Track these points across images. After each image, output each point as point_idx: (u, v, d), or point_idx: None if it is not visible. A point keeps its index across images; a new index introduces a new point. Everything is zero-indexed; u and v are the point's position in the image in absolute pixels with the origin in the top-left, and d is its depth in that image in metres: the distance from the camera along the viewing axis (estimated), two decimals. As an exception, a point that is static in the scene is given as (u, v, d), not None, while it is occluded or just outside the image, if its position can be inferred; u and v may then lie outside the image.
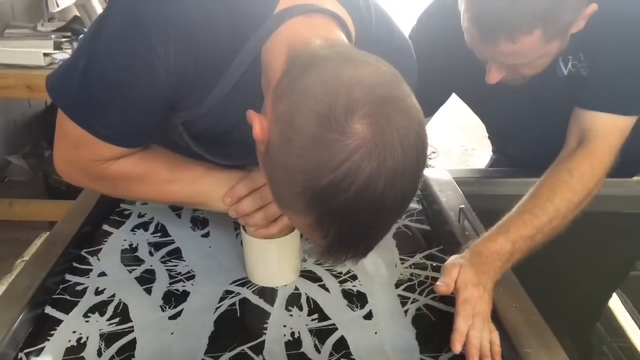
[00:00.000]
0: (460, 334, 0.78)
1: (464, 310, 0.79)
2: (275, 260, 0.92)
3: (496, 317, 0.83)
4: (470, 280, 0.81)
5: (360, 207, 0.56)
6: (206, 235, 1.07)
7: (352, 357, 0.79)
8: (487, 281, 0.83)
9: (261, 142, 0.61)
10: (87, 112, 0.74)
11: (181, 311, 0.87)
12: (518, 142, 1.33)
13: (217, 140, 0.82)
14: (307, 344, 0.82)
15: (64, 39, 2.40)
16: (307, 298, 0.91)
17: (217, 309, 0.88)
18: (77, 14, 2.61)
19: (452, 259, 0.86)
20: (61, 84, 0.75)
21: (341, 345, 0.81)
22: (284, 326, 0.85)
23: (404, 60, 0.86)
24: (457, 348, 0.77)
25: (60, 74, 0.76)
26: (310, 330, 0.84)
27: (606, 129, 1.00)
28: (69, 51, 2.27)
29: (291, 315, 0.88)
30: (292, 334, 0.84)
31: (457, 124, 3.83)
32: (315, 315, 0.87)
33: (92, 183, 0.87)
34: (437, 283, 0.83)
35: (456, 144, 3.89)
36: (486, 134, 1.50)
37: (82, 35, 0.75)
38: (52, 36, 2.38)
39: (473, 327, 0.78)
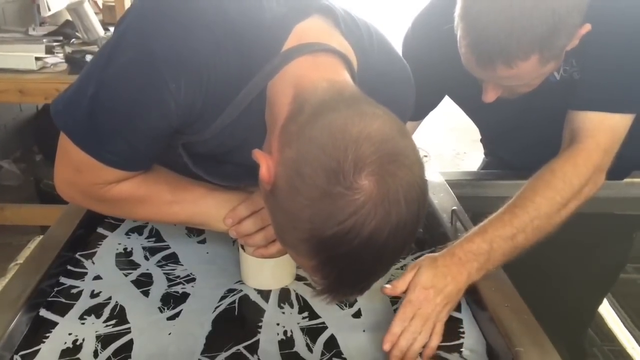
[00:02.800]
0: (392, 334, 0.81)
1: (403, 312, 0.82)
2: (271, 275, 0.94)
3: (489, 317, 0.84)
4: (420, 283, 0.83)
5: (363, 257, 0.58)
6: (202, 242, 1.07)
7: (342, 356, 0.81)
8: (447, 284, 0.84)
9: (267, 183, 0.63)
10: (93, 139, 0.74)
11: (180, 312, 0.88)
12: (512, 146, 1.34)
13: (216, 160, 0.83)
14: (299, 343, 0.83)
15: (55, 43, 2.40)
16: (297, 295, 0.93)
17: (216, 308, 0.89)
18: (69, 18, 2.61)
19: (419, 260, 0.88)
20: (67, 111, 0.75)
21: (332, 343, 0.83)
22: (277, 324, 0.86)
23: (403, 89, 0.89)
24: (385, 347, 0.80)
25: (66, 100, 0.75)
26: (302, 329, 0.85)
27: (593, 127, 1.00)
28: (61, 55, 2.28)
29: (283, 313, 0.89)
30: (285, 332, 0.85)
31: (448, 127, 3.86)
32: (306, 314, 0.89)
33: (94, 204, 0.87)
34: (385, 285, 0.85)
35: (448, 147, 3.91)
36: (477, 138, 1.51)
37: (88, 63, 0.75)
38: (44, 40, 2.39)
39: (407, 330, 0.81)
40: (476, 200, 1.26)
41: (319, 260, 0.60)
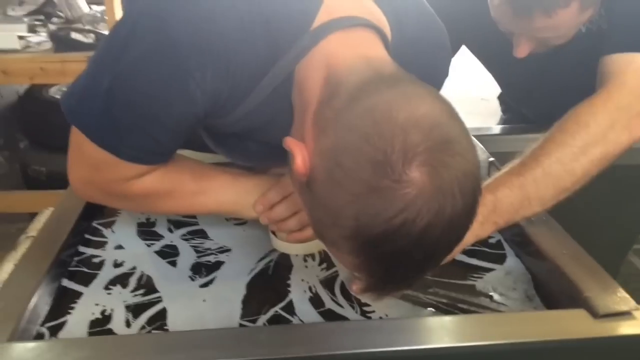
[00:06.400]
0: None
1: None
2: (304, 249, 0.89)
3: (549, 266, 0.80)
4: None
5: (412, 255, 0.53)
6: (241, 223, 0.98)
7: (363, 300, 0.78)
8: None
9: (303, 175, 0.57)
10: (111, 135, 0.67)
11: (213, 279, 0.82)
12: (533, 101, 1.29)
13: (239, 137, 0.77)
14: (326, 299, 0.79)
15: (37, 22, 2.30)
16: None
17: (252, 270, 0.84)
18: (49, -3, 2.50)
19: None
20: (81, 107, 0.67)
21: (345, 289, 0.80)
22: (302, 280, 0.82)
23: (439, 56, 0.83)
24: None
25: (79, 95, 0.68)
26: (321, 282, 0.82)
27: (619, 69, 0.93)
28: (44, 34, 2.18)
29: (306, 267, 0.85)
30: (310, 288, 0.81)
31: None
32: (325, 265, 0.85)
33: (115, 202, 0.81)
34: None
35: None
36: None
37: (96, 51, 0.67)
38: (25, 19, 2.28)
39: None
40: (502, 155, 1.21)
41: (364, 259, 0.55)
